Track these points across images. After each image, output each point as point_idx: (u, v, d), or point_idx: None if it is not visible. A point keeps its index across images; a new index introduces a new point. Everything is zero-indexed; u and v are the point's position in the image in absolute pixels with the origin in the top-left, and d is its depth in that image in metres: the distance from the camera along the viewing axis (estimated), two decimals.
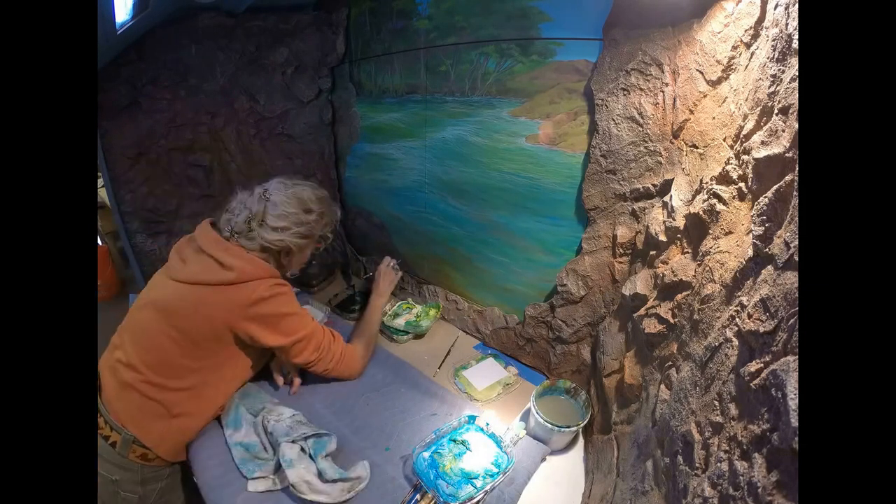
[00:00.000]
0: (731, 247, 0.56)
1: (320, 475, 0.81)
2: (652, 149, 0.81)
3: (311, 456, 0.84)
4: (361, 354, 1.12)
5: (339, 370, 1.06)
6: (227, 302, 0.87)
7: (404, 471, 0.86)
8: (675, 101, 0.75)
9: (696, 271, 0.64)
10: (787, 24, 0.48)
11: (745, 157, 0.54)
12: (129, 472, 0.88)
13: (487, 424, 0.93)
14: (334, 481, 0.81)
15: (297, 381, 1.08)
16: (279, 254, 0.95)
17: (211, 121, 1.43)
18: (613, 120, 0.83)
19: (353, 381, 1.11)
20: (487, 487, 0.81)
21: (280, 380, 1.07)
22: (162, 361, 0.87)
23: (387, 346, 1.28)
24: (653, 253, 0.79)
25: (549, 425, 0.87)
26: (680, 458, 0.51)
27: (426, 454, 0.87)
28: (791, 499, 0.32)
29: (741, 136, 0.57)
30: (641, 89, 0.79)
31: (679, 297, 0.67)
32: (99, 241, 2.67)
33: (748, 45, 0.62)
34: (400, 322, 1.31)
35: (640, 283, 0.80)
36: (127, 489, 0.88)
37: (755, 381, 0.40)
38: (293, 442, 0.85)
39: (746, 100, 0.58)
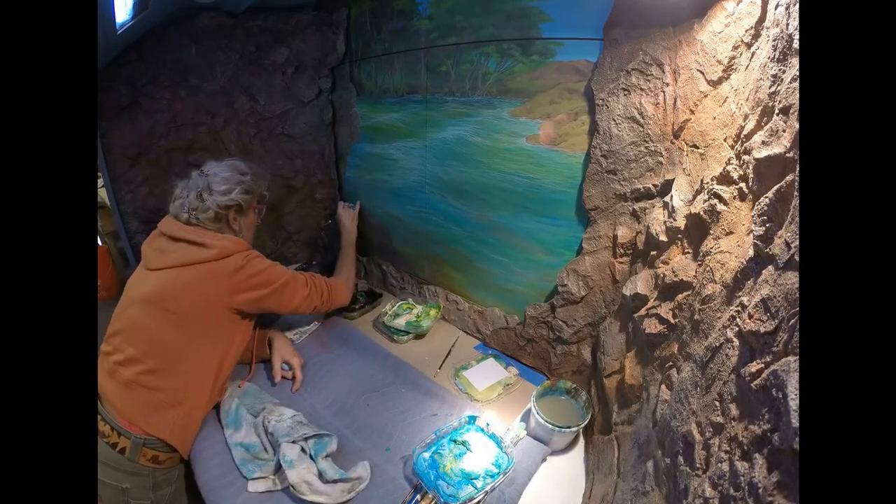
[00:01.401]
0: (731, 247, 0.56)
1: (321, 476, 0.81)
2: (652, 149, 0.80)
3: (311, 456, 0.84)
4: (346, 281, 1.30)
5: (333, 300, 1.21)
6: (215, 276, 0.94)
7: (405, 471, 0.86)
8: (675, 101, 0.75)
9: (696, 271, 0.64)
10: (787, 24, 0.48)
11: (746, 158, 0.54)
12: (140, 477, 0.88)
13: (488, 425, 0.93)
14: (335, 482, 0.81)
15: (299, 377, 1.10)
16: (229, 218, 1.04)
17: (211, 121, 1.43)
18: (614, 120, 0.83)
19: (352, 378, 1.12)
20: (488, 488, 0.80)
21: (279, 375, 1.10)
22: (162, 347, 0.90)
23: (387, 346, 1.27)
24: (653, 253, 0.79)
25: (550, 426, 0.87)
26: (681, 458, 0.51)
27: (426, 454, 0.87)
28: (792, 499, 0.32)
29: (742, 136, 0.57)
30: (642, 89, 0.79)
31: (680, 297, 0.67)
32: (99, 241, 2.67)
33: (749, 45, 0.62)
34: (400, 322, 1.30)
35: (640, 283, 0.80)
36: (138, 496, 0.88)
37: (756, 382, 0.40)
38: (293, 442, 0.85)
39: (747, 100, 0.58)
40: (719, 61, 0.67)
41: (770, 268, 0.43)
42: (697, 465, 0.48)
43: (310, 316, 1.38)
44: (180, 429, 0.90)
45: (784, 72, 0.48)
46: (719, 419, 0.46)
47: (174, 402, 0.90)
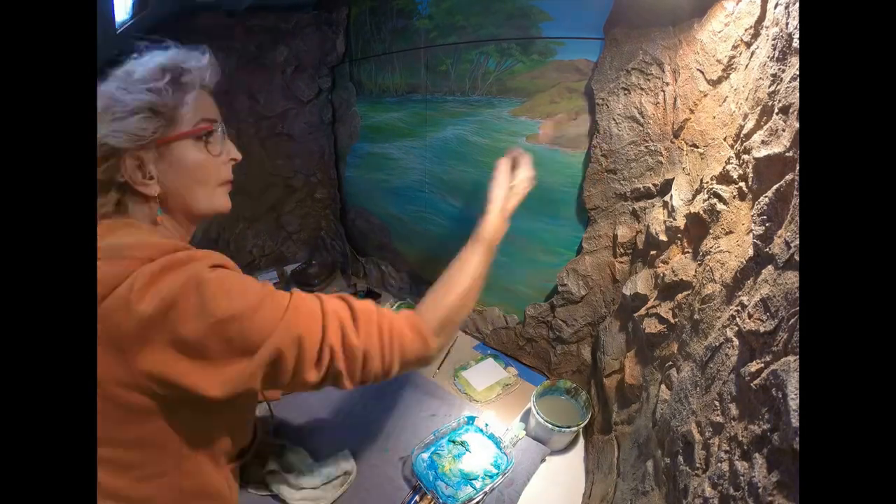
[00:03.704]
0: (731, 246, 0.55)
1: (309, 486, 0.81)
2: (652, 148, 0.80)
3: (289, 471, 0.83)
4: (429, 312, 0.64)
5: (373, 364, 0.61)
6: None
7: (403, 472, 0.86)
8: (675, 101, 0.75)
9: (696, 271, 0.64)
10: (787, 24, 0.47)
11: (746, 157, 0.54)
12: None
13: (487, 425, 0.93)
14: (325, 484, 0.81)
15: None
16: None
17: None
18: (614, 119, 0.83)
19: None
20: (487, 488, 0.80)
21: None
22: None
23: None
24: (653, 253, 0.79)
25: (550, 425, 0.87)
26: (680, 458, 0.51)
27: (425, 455, 0.87)
28: (791, 499, 0.32)
29: (741, 135, 0.57)
30: (642, 89, 0.78)
31: (679, 296, 0.67)
32: None
33: (748, 45, 0.62)
34: None
35: (640, 282, 0.80)
36: None
37: (756, 381, 0.40)
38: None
39: (747, 99, 0.58)
40: (719, 60, 0.67)
41: (770, 267, 0.43)
42: (697, 465, 0.48)
43: None
44: None
45: (784, 71, 0.48)
46: (719, 419, 0.46)
47: None
